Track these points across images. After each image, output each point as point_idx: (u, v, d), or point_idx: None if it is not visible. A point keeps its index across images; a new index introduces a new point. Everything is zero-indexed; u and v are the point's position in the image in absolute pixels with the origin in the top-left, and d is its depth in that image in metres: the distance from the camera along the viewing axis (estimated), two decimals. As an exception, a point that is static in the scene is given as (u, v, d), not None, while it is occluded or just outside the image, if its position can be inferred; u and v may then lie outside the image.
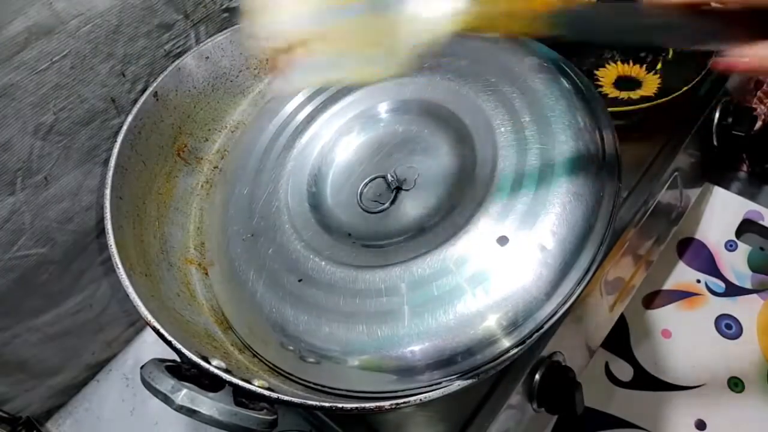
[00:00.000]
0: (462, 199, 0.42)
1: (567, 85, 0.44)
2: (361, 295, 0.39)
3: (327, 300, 0.40)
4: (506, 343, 0.37)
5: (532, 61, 0.45)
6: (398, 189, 0.45)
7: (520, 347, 0.37)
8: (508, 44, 0.48)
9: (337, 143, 0.49)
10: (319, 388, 0.40)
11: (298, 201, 0.47)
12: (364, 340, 0.38)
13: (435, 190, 0.44)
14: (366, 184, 0.46)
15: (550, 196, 0.39)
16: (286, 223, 0.45)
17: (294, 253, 0.43)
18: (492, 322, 0.36)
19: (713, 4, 0.30)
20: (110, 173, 0.45)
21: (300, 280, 0.42)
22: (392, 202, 0.45)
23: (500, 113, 0.43)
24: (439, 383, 0.37)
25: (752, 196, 0.77)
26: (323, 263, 0.42)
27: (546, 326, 0.37)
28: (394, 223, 0.44)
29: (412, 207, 0.45)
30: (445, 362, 0.37)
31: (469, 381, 0.37)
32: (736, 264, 0.76)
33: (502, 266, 0.37)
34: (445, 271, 0.38)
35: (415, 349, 0.37)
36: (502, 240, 0.38)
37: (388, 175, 0.45)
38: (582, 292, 0.38)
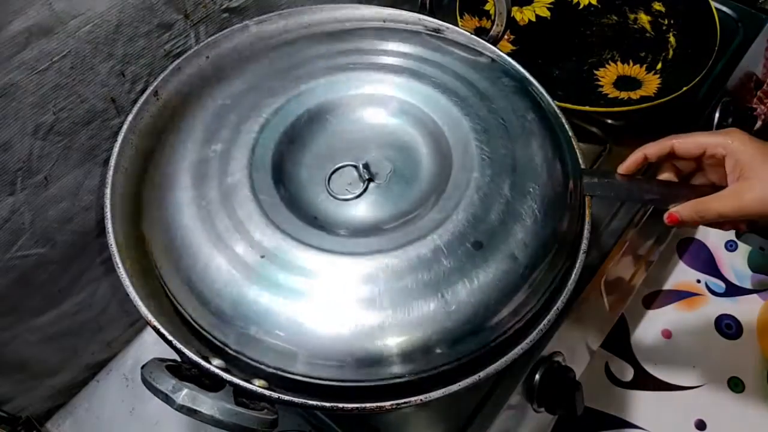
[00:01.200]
0: (437, 201, 0.42)
1: (538, 104, 0.47)
2: (329, 281, 0.39)
3: (289, 281, 0.39)
4: (463, 348, 0.38)
5: (509, 83, 0.48)
6: (370, 180, 0.45)
7: (470, 356, 0.39)
8: (488, 63, 0.50)
9: (316, 119, 0.48)
10: (265, 367, 0.39)
11: (263, 175, 0.44)
12: (321, 325, 0.38)
13: (410, 188, 0.45)
14: (337, 170, 0.46)
15: (524, 209, 0.41)
16: (248, 193, 0.42)
17: (257, 225, 0.41)
18: (451, 325, 0.38)
19: (662, 177, 0.47)
20: (110, 173, 0.45)
21: (263, 257, 0.40)
22: (363, 193, 0.45)
23: (479, 126, 0.45)
24: (402, 377, 0.38)
25: (752, 196, 0.77)
26: (288, 242, 0.40)
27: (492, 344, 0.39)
28: (365, 213, 0.44)
29: (384, 201, 0.45)
30: (407, 358, 0.37)
31: (468, 382, 0.37)
32: (736, 264, 0.76)
33: (475, 269, 0.39)
34: (419, 266, 0.39)
35: (380, 341, 0.37)
36: (476, 245, 0.39)
37: (360, 165, 0.45)
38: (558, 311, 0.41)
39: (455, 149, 0.45)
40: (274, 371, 0.39)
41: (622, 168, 0.46)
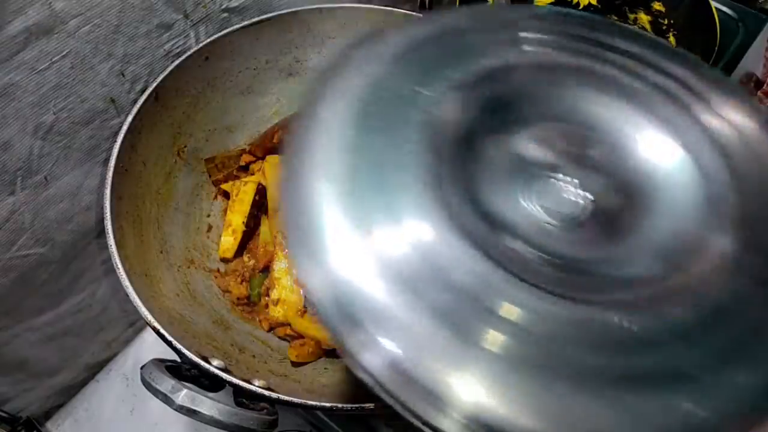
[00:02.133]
0: (696, 243, 0.30)
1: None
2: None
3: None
4: None
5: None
6: (592, 203, 0.33)
7: None
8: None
9: (513, 106, 0.34)
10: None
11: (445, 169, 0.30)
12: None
13: (642, 222, 0.32)
14: (543, 180, 0.33)
15: None
16: (422, 187, 0.29)
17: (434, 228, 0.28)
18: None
19: None
20: (110, 173, 0.45)
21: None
22: (584, 219, 0.32)
23: (722, 145, 0.33)
24: None
25: (752, 196, 0.77)
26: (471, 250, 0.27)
27: None
28: (587, 243, 0.32)
29: (611, 234, 0.32)
30: None
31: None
32: (736, 264, 0.76)
33: None
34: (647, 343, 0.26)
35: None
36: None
37: (577, 182, 0.33)
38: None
39: (703, 179, 0.32)
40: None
41: None
